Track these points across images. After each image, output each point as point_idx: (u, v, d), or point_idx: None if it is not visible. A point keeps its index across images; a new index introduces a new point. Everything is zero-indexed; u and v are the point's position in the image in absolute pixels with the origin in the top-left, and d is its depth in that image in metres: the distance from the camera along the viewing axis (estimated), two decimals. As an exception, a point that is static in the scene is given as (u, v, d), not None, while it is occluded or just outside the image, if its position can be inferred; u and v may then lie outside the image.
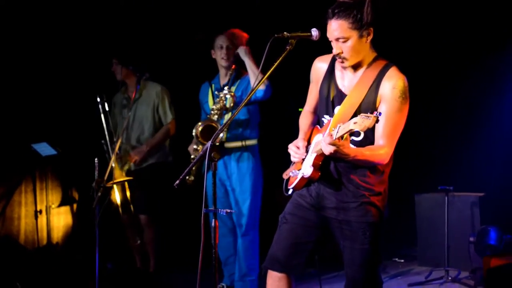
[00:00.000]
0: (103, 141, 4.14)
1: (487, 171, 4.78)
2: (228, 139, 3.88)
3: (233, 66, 3.92)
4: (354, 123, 2.14)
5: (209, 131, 3.77)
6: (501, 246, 4.13)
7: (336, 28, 2.39)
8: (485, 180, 4.75)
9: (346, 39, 2.39)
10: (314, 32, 2.48)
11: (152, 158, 4.32)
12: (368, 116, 2.08)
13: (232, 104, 3.78)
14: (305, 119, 2.75)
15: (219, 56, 3.88)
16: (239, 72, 3.95)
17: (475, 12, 4.64)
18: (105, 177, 3.61)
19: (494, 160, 4.82)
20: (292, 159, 2.62)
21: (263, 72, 2.46)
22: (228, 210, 2.30)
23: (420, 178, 5.13)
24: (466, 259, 4.31)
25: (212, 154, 2.23)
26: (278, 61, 2.44)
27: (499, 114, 4.73)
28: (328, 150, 2.25)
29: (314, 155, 2.48)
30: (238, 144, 3.87)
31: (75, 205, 4.95)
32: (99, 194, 3.47)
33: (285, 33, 2.45)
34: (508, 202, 4.57)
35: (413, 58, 4.66)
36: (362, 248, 2.49)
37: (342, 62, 2.45)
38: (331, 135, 2.25)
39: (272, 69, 2.44)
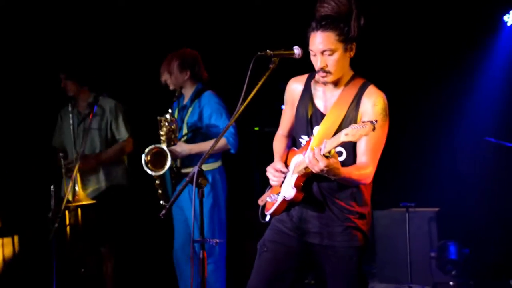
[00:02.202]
0: (61, 154, 3.78)
1: (440, 186, 4.89)
2: (183, 164, 3.73)
3: (182, 86, 3.80)
4: (346, 134, 2.06)
5: (159, 157, 3.62)
6: (461, 260, 4.22)
7: (322, 40, 2.32)
8: (438, 195, 4.86)
9: (332, 52, 2.33)
10: (297, 51, 2.40)
11: (109, 181, 4.06)
12: (364, 125, 2.00)
13: (177, 126, 3.68)
14: (279, 143, 2.67)
15: None
16: (198, 91, 3.82)
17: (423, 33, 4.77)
18: (63, 202, 3.30)
19: (447, 175, 4.95)
20: (272, 182, 2.51)
21: (248, 92, 2.33)
22: (217, 240, 2.13)
23: (376, 194, 5.16)
24: (427, 275, 4.35)
25: (199, 180, 2.06)
26: (262, 80, 2.35)
27: (452, 129, 4.88)
28: (317, 166, 2.14)
29: (296, 176, 2.39)
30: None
31: (16, 237, 4.52)
32: (56, 225, 3.17)
33: (268, 51, 2.36)
34: (462, 216, 4.70)
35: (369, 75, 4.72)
36: (349, 274, 2.41)
37: (325, 76, 2.39)
38: (319, 149, 2.16)
39: (256, 88, 2.34)
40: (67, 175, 3.71)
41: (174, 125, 3.65)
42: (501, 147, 4.17)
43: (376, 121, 2.02)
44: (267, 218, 2.54)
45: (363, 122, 2.02)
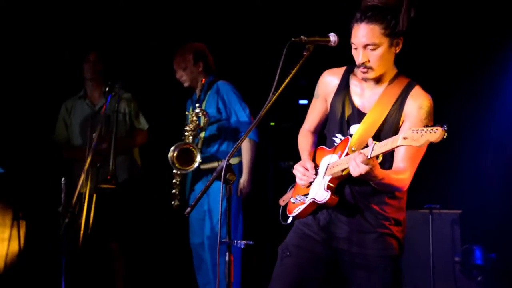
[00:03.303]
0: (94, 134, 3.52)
1: (463, 187, 4.69)
2: (203, 160, 3.58)
3: (203, 80, 3.68)
4: (404, 138, 1.87)
5: (185, 155, 3.51)
6: (488, 266, 4.03)
7: (366, 33, 2.14)
8: (460, 197, 4.66)
9: (376, 47, 2.15)
10: (333, 38, 2.23)
11: (123, 174, 3.90)
12: (433, 129, 1.81)
13: (206, 122, 3.56)
14: (306, 139, 2.48)
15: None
16: (210, 83, 3.70)
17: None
18: (74, 198, 3.13)
19: (469, 175, 4.74)
20: (299, 182, 2.32)
21: (280, 81, 2.15)
22: (245, 242, 1.94)
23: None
24: (451, 280, 4.16)
25: (227, 175, 1.88)
26: (296, 68, 2.18)
27: (476, 127, 4.67)
28: (359, 170, 1.98)
29: (329, 177, 2.20)
30: (214, 165, 3.59)
31: (22, 231, 4.35)
32: (67, 220, 2.99)
33: (302, 37, 2.18)
34: (486, 219, 4.50)
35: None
36: (383, 285, 2.22)
37: (366, 72, 2.20)
38: (364, 154, 1.98)
39: (290, 76, 2.16)
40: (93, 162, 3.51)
41: (206, 118, 3.54)
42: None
43: (446, 125, 1.83)
44: (289, 220, 2.35)
45: (429, 126, 1.84)
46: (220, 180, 1.90)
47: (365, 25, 2.14)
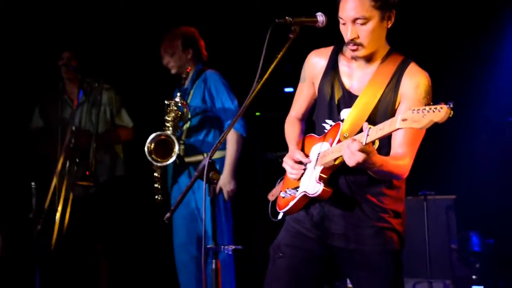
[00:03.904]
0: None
1: (457, 172, 4.55)
2: (187, 153, 3.38)
3: (189, 69, 3.48)
4: (403, 120, 1.69)
5: (163, 146, 3.30)
6: (486, 252, 3.91)
7: (355, 5, 1.96)
8: (455, 182, 4.52)
9: (366, 21, 1.97)
10: (320, 17, 2.05)
11: (105, 172, 3.72)
12: (437, 108, 1.62)
13: (186, 112, 3.36)
14: (292, 127, 2.30)
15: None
16: (199, 71, 3.50)
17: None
18: (47, 202, 2.92)
19: (464, 160, 4.60)
20: (290, 175, 2.14)
21: (264, 67, 1.96)
22: (233, 247, 1.76)
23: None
24: (447, 268, 4.04)
25: (210, 174, 1.68)
26: (281, 53, 2.01)
27: (471, 110, 4.52)
28: (355, 159, 1.81)
29: (320, 168, 2.02)
30: (199, 157, 3.39)
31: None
32: (39, 227, 2.78)
33: (287, 18, 2.01)
34: (482, 204, 4.38)
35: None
36: (385, 283, 2.06)
37: (356, 49, 2.02)
38: (359, 141, 1.81)
39: (275, 62, 1.98)
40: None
41: (185, 109, 3.33)
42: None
43: (452, 103, 1.63)
44: (279, 217, 2.18)
45: (432, 104, 1.64)
46: (203, 179, 1.70)
47: None
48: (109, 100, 3.81)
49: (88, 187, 3.47)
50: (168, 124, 3.36)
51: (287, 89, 4.78)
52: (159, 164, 3.32)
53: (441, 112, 1.62)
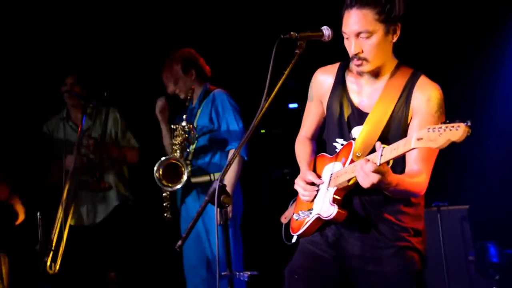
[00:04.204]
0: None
1: (469, 182, 4.46)
2: (194, 173, 3.33)
3: (193, 87, 3.45)
4: (419, 139, 1.62)
5: (172, 170, 3.25)
6: (505, 263, 3.80)
7: (358, 19, 1.91)
8: (467, 192, 4.43)
9: (370, 34, 1.91)
10: (326, 31, 2.00)
11: (113, 199, 3.66)
12: (454, 127, 1.55)
13: (193, 136, 3.32)
14: (303, 147, 2.23)
15: None
16: (206, 91, 3.45)
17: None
18: (55, 232, 2.84)
19: (475, 171, 4.51)
20: (303, 197, 2.08)
21: (273, 83, 1.91)
22: (249, 273, 1.68)
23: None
24: (466, 280, 3.92)
25: (221, 198, 1.61)
26: (288, 69, 1.94)
27: (482, 119, 4.45)
28: (370, 180, 1.75)
29: (333, 189, 1.96)
30: (205, 178, 3.34)
31: (5, 268, 4.04)
32: (47, 259, 2.70)
33: (292, 33, 1.95)
34: (495, 213, 4.28)
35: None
36: None
37: (361, 64, 1.97)
38: (372, 161, 1.74)
39: (283, 79, 1.92)
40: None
41: (192, 133, 3.28)
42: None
43: (470, 121, 1.56)
44: (294, 240, 2.12)
45: (448, 123, 1.57)
46: (214, 204, 1.63)
47: (356, 11, 1.91)
48: (114, 121, 3.76)
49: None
50: (175, 147, 3.31)
51: (292, 105, 4.74)
52: (169, 190, 3.28)
53: (458, 131, 1.55)
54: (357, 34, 1.92)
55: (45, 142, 3.74)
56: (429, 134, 1.61)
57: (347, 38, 1.96)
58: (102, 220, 3.60)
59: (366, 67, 1.97)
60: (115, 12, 4.15)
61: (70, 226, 3.27)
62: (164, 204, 3.38)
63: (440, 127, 1.59)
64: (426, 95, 1.94)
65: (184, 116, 3.32)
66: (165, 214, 3.39)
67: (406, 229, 1.99)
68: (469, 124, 1.54)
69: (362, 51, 1.93)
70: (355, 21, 1.91)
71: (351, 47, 1.95)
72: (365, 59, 1.94)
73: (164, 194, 3.37)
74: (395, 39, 1.97)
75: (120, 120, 3.78)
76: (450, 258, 3.95)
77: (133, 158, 3.79)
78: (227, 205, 1.66)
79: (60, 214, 3.06)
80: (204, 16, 4.26)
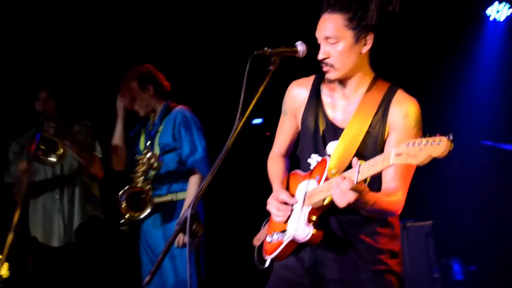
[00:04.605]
0: None
1: (432, 198, 4.48)
2: (154, 193, 3.18)
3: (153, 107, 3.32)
4: (398, 155, 1.53)
5: (135, 198, 3.12)
6: (469, 280, 3.82)
7: (327, 24, 1.86)
8: (431, 208, 4.44)
9: (337, 40, 1.85)
10: (300, 47, 1.90)
11: (80, 217, 3.48)
12: (435, 141, 1.45)
13: (158, 166, 3.17)
14: (277, 164, 2.12)
15: None
16: (168, 108, 3.32)
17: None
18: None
19: (436, 188, 4.54)
20: (275, 218, 1.96)
21: (246, 102, 1.80)
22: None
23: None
24: (430, 298, 3.91)
25: (193, 227, 1.48)
26: (262, 87, 1.84)
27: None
28: (346, 199, 1.65)
29: (308, 208, 1.85)
30: (167, 198, 3.19)
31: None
32: None
33: (266, 49, 1.84)
34: (459, 229, 4.30)
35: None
36: None
37: (328, 71, 1.90)
38: (349, 179, 1.65)
39: (256, 97, 1.82)
40: None
41: (156, 164, 3.12)
42: (499, 150, 3.81)
43: (452, 134, 1.47)
44: (267, 264, 1.99)
45: (429, 137, 1.48)
46: (185, 233, 1.50)
47: (327, 15, 1.86)
48: (86, 132, 3.61)
49: None
50: (137, 174, 3.18)
51: (255, 121, 4.63)
52: (136, 219, 3.14)
53: (440, 146, 1.46)
54: (326, 39, 1.87)
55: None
56: (408, 149, 1.52)
57: (320, 44, 1.91)
58: (65, 241, 3.45)
59: (333, 74, 1.90)
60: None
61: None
62: (125, 217, 3.21)
63: (421, 142, 1.49)
64: (404, 110, 1.88)
65: (148, 143, 3.19)
66: (122, 228, 3.21)
67: (383, 251, 1.91)
68: (451, 138, 1.45)
69: (329, 56, 1.87)
70: (324, 25, 1.87)
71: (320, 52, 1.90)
72: (332, 66, 1.88)
73: (123, 206, 3.17)
74: (365, 50, 1.90)
75: (89, 128, 3.63)
76: (416, 275, 3.93)
77: (98, 168, 3.59)
78: (199, 234, 1.53)
79: (9, 241, 2.85)
80: (176, 32, 4.15)
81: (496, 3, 4.19)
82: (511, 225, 4.19)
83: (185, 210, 1.52)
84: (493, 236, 4.26)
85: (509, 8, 4.14)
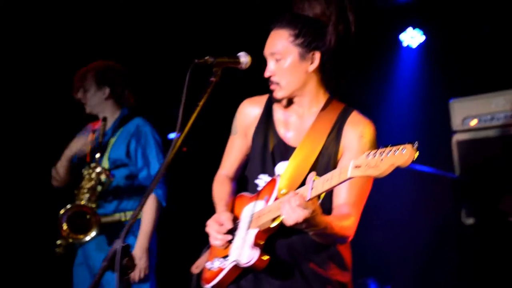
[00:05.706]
0: None
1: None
2: (99, 211, 2.90)
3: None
4: (356, 167, 1.45)
5: (78, 218, 2.84)
6: (385, 301, 3.85)
7: (273, 39, 1.82)
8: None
9: (281, 56, 1.81)
10: (244, 58, 1.80)
11: None
12: (399, 149, 1.36)
13: (108, 181, 2.89)
14: (222, 186, 2.01)
15: None
16: (124, 118, 3.02)
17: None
18: None
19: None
20: (213, 242, 1.83)
21: (186, 114, 1.63)
22: None
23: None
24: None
25: (124, 261, 1.26)
26: (203, 100, 1.69)
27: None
28: (295, 217, 1.56)
29: (255, 231, 1.74)
30: (114, 218, 2.91)
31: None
32: None
33: (207, 58, 1.74)
34: (371, 247, 4.36)
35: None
36: None
37: (274, 90, 1.86)
38: (302, 195, 1.56)
39: (197, 111, 1.67)
40: None
41: (108, 180, 2.82)
42: (409, 170, 3.90)
43: (417, 142, 1.38)
44: None
45: (392, 145, 1.40)
46: (113, 270, 1.26)
47: (274, 31, 1.84)
48: None
49: None
50: (83, 191, 2.87)
51: (171, 135, 4.39)
52: (79, 242, 2.87)
53: (404, 154, 1.38)
54: (272, 55, 1.82)
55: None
56: (368, 160, 1.44)
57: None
58: None
59: (280, 93, 1.85)
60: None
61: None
62: (58, 242, 2.91)
63: (382, 151, 1.42)
64: (358, 132, 1.83)
65: (97, 155, 2.87)
66: (57, 249, 2.90)
67: (332, 283, 1.83)
68: (416, 146, 1.38)
69: (274, 74, 1.82)
70: (271, 41, 1.83)
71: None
72: (277, 84, 1.83)
73: (63, 228, 2.86)
74: (312, 68, 1.84)
75: None
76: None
77: None
78: (130, 270, 1.30)
79: None
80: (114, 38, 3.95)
81: (410, 28, 4.32)
82: (421, 242, 4.33)
83: (115, 242, 1.29)
84: (405, 253, 4.36)
85: (422, 34, 4.28)
